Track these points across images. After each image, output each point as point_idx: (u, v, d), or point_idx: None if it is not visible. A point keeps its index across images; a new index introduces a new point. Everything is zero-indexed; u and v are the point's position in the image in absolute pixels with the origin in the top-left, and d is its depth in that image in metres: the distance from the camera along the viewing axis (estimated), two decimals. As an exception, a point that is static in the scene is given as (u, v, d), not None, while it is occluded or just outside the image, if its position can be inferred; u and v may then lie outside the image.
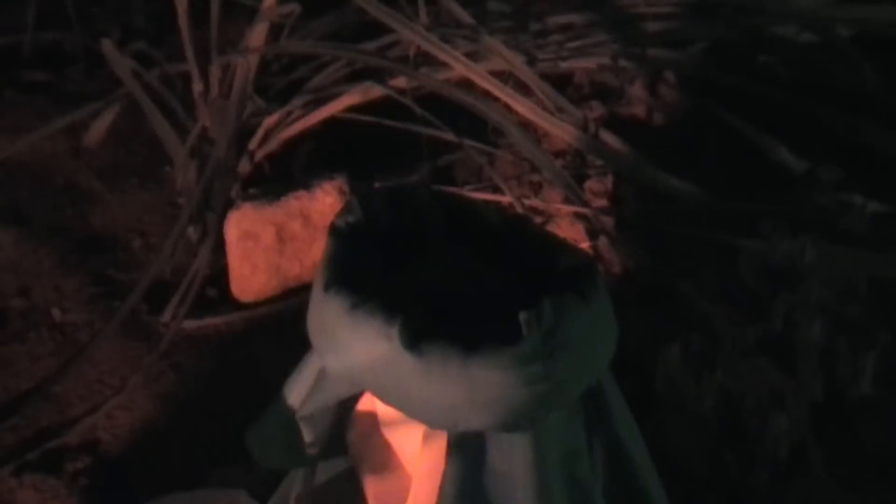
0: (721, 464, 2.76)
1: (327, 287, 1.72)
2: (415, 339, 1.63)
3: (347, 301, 1.68)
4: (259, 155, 3.42)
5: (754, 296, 2.96)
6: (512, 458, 1.74)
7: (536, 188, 3.35)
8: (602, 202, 3.29)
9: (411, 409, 1.72)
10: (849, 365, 2.84)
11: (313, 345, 1.79)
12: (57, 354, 3.11)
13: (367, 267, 1.75)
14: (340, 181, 3.16)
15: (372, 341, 1.66)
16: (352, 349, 1.70)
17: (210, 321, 3.16)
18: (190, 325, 3.15)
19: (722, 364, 2.82)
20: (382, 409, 1.84)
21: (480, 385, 1.64)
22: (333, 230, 1.79)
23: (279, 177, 3.36)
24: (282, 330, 2.97)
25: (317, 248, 1.77)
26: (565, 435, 1.79)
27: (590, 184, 3.35)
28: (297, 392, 1.92)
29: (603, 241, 3.18)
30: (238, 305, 3.20)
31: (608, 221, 3.23)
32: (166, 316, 3.15)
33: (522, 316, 1.63)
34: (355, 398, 1.90)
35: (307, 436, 1.95)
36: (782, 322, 2.88)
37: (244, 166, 3.39)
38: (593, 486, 1.85)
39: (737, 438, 2.78)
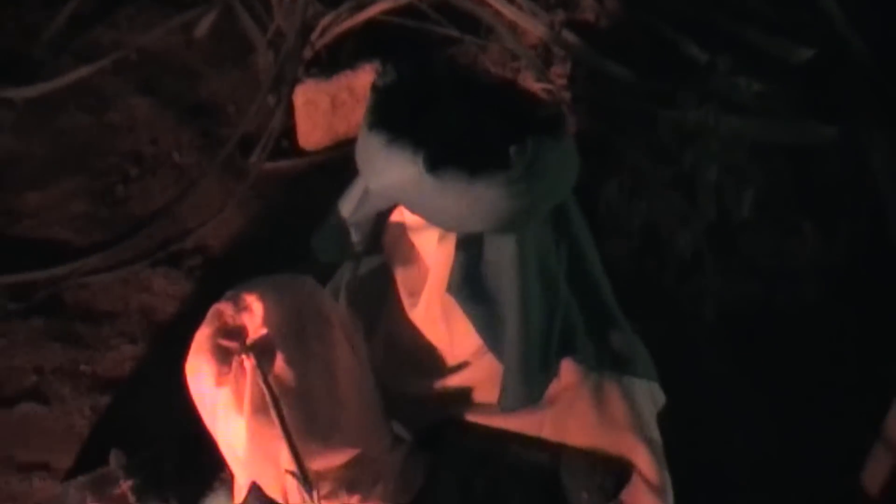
0: (642, 265, 2.74)
1: (370, 128, 1.70)
2: (433, 166, 1.62)
3: (384, 138, 1.67)
4: (318, 45, 3.34)
5: (669, 148, 2.91)
6: (502, 253, 1.73)
7: (516, 71, 3.28)
8: (563, 82, 3.22)
9: (430, 217, 1.71)
10: (734, 197, 2.83)
11: (360, 171, 1.78)
12: (177, 185, 3.07)
13: (398, 114, 1.71)
14: (376, 64, 3.11)
15: (402, 167, 1.65)
16: (387, 173, 1.68)
17: (283, 163, 3.12)
18: (269, 166, 3.10)
19: (645, 196, 2.80)
20: (409, 218, 1.81)
21: (481, 199, 1.63)
22: (374, 88, 1.78)
23: (332, 61, 3.28)
24: (334, 169, 2.92)
25: (359, 112, 1.76)
26: (540, 237, 1.78)
27: (554, 68, 3.27)
28: (347, 206, 1.90)
29: (563, 109, 3.13)
30: (303, 153, 3.15)
31: (567, 95, 3.17)
32: (252, 159, 3.10)
33: (511, 150, 1.62)
34: (389, 210, 1.87)
35: (354, 237, 1.92)
36: (688, 166, 2.85)
37: (307, 53, 3.32)
38: (558, 273, 1.83)
39: (654, 248, 2.76)
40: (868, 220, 2.89)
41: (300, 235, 2.28)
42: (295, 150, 3.17)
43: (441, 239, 1.77)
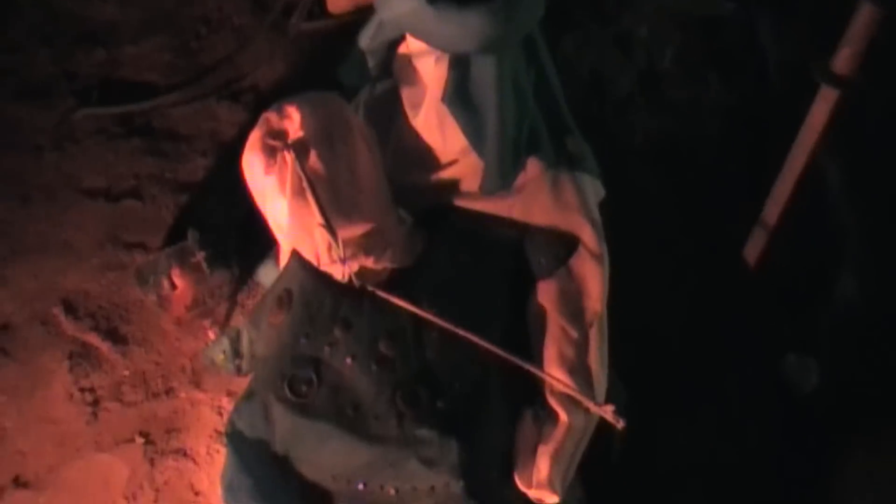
0: (588, 103, 2.63)
1: None
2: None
3: None
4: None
5: (611, 13, 2.76)
6: (485, 70, 1.66)
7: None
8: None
9: (429, 41, 1.62)
10: (660, 51, 2.70)
11: (376, 7, 1.65)
12: (236, 40, 2.93)
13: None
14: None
15: (409, 1, 1.55)
16: (397, 5, 1.59)
17: (316, 24, 2.95)
18: (306, 26, 2.94)
19: (592, 49, 2.67)
20: (413, 45, 1.70)
21: (468, 25, 1.55)
22: None
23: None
24: (355, 28, 2.71)
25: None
26: (514, 60, 1.71)
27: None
28: (365, 38, 1.80)
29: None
30: (331, 16, 2.98)
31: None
32: (293, 21, 2.93)
33: (494, -12, 1.52)
34: (398, 42, 1.74)
35: (371, 63, 1.83)
36: (625, 27, 2.70)
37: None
38: (528, 89, 1.77)
39: (597, 89, 2.65)
40: (756, 72, 2.75)
41: (328, 76, 2.16)
42: (325, 13, 2.98)
43: (437, 61, 1.67)
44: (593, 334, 1.74)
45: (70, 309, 2.31)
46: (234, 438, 1.70)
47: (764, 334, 2.26)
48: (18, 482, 2.06)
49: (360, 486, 1.64)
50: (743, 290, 2.30)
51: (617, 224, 1.91)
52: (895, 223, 2.40)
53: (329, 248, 1.62)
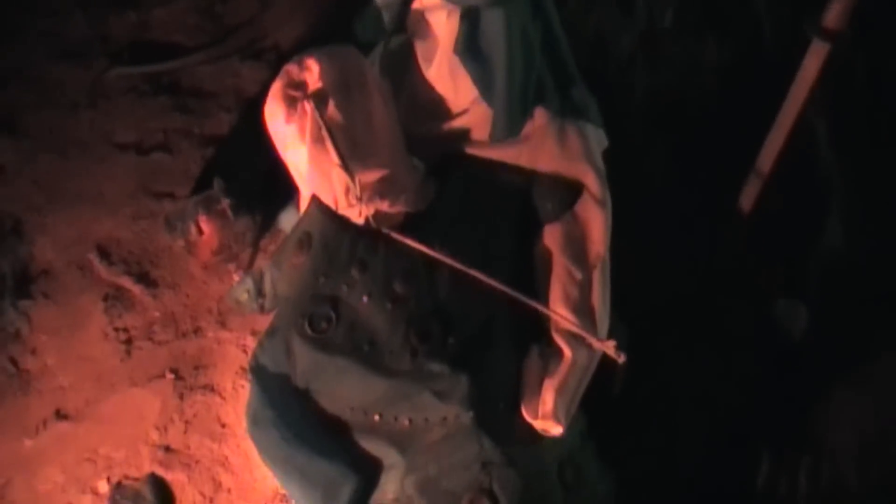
0: (591, 62, 2.53)
1: None
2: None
3: None
4: None
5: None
6: (494, 23, 1.64)
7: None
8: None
9: None
10: (660, 11, 2.62)
11: None
12: (258, 4, 2.87)
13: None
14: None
15: None
16: None
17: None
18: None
19: (596, 10, 2.60)
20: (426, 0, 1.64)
21: None
22: None
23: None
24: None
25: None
26: (522, 12, 1.67)
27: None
28: None
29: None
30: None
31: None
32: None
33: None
34: (411, -2, 1.71)
35: (386, 18, 1.80)
36: (627, -11, 2.65)
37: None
38: (535, 41, 1.73)
39: (601, 49, 2.58)
40: (751, 31, 2.69)
41: (346, 35, 2.11)
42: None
43: (449, 14, 1.65)
44: (596, 275, 1.72)
45: (104, 255, 2.31)
46: (258, 373, 1.70)
47: (756, 279, 2.24)
48: (59, 414, 2.08)
49: (376, 418, 1.64)
50: (737, 238, 2.28)
51: (618, 174, 1.87)
52: (879, 174, 2.36)
53: (346, 192, 1.60)
